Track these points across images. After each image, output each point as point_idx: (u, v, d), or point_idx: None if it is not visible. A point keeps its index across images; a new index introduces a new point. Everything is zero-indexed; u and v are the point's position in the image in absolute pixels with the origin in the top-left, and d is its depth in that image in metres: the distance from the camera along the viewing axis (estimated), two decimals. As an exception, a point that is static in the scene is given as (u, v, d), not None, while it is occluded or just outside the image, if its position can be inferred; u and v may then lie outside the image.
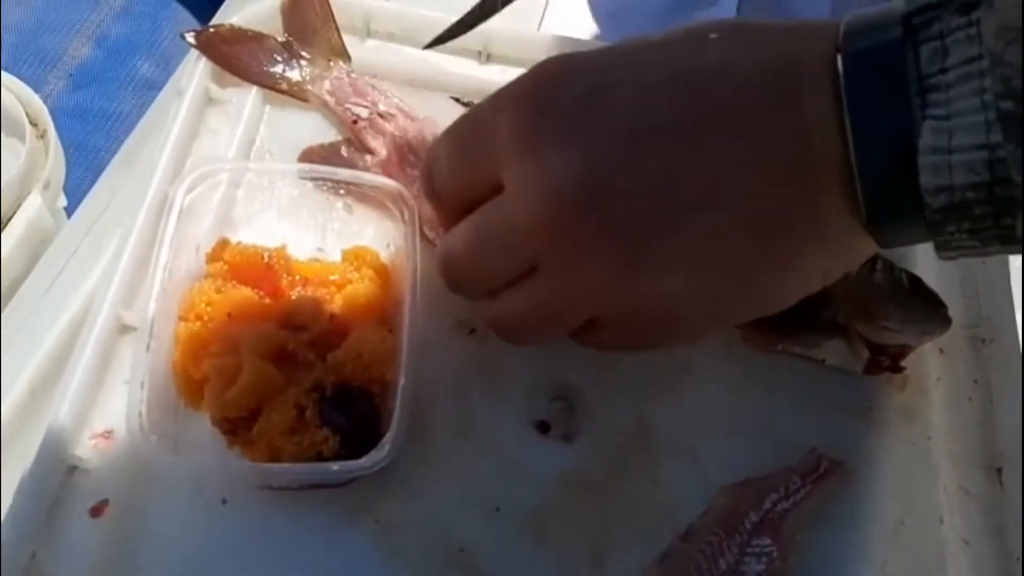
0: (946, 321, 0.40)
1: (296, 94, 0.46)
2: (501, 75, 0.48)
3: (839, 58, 0.29)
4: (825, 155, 0.30)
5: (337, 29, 0.48)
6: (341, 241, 0.42)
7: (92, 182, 0.55)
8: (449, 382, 0.40)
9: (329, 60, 0.47)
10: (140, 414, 0.33)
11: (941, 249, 0.30)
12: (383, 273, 0.40)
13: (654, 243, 0.31)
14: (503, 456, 0.38)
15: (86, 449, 0.36)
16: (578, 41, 0.50)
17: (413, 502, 0.37)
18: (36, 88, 0.95)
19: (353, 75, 0.47)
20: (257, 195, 0.43)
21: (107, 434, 0.37)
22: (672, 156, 0.30)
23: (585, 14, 0.64)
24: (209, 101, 0.46)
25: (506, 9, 0.43)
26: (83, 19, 1.01)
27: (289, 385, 0.37)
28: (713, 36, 0.32)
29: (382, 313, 0.39)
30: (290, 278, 0.39)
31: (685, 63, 0.31)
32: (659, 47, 0.32)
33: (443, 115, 0.45)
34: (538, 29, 0.61)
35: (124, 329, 0.39)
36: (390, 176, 0.42)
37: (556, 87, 0.32)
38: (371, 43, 0.49)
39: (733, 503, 0.37)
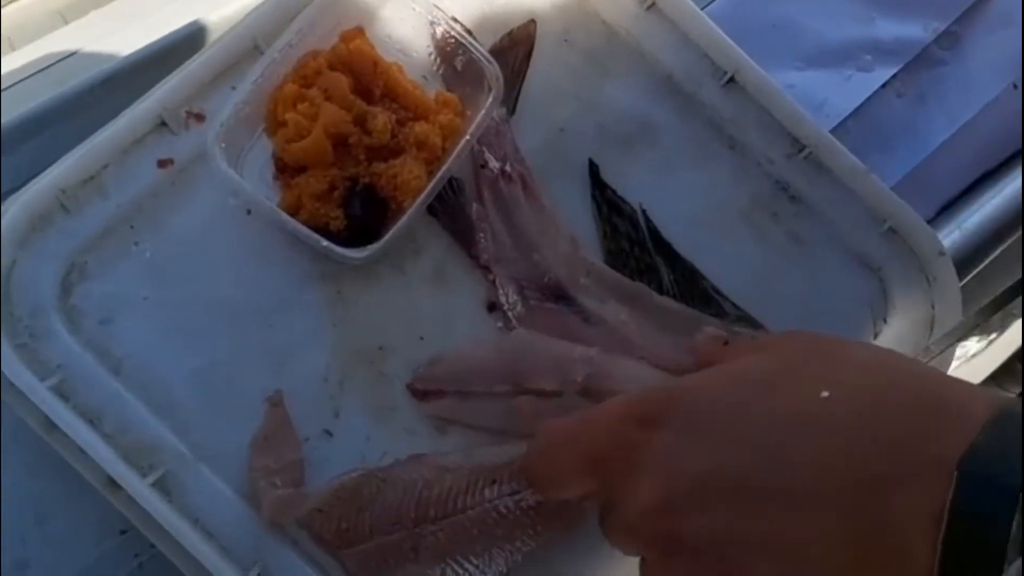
0: None
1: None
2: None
3: (950, 498, 0.28)
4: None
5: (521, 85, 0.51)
6: (438, 83, 0.50)
7: None
8: (443, 236, 0.49)
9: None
10: (221, 124, 0.43)
11: None
12: (455, 127, 0.48)
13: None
14: (448, 305, 0.48)
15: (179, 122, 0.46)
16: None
17: (367, 303, 0.47)
18: None
19: (506, 124, 0.50)
20: (401, 15, 0.50)
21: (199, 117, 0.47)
22: (738, 513, 0.32)
23: None
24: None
25: None
26: None
27: (335, 165, 0.46)
28: (824, 395, 0.32)
29: (434, 157, 0.47)
30: (385, 88, 0.47)
31: (782, 425, 0.32)
32: (761, 395, 0.33)
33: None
34: None
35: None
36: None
37: (652, 421, 0.35)
38: None
39: None
